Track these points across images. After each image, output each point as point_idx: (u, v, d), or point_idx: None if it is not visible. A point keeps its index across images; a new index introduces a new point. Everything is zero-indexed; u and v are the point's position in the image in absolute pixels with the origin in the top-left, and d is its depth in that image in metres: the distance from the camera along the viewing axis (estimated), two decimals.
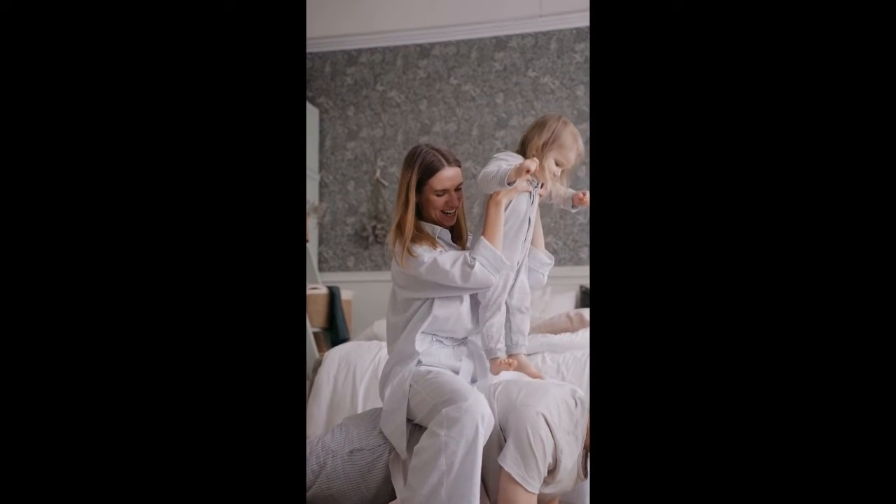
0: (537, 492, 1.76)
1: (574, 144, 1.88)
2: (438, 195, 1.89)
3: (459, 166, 1.93)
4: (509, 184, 1.81)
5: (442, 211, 1.91)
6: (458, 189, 1.92)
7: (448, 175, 1.89)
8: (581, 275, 4.29)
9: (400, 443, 1.82)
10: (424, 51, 4.62)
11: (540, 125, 1.89)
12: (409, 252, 1.84)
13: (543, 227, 4.51)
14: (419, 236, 1.88)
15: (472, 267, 1.80)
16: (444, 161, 1.89)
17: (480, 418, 1.69)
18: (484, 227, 1.87)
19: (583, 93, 4.39)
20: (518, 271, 1.93)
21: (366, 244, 4.67)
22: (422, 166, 1.89)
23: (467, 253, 1.84)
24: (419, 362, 1.90)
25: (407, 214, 1.88)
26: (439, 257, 1.83)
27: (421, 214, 1.94)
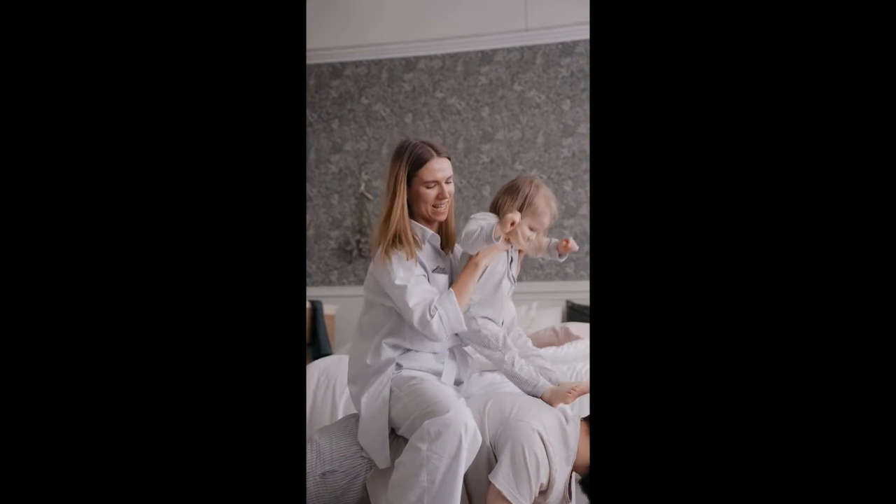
0: None
1: (547, 209, 1.87)
2: (429, 187, 1.84)
3: (449, 158, 1.89)
4: (496, 239, 1.78)
5: (433, 205, 1.85)
6: (447, 181, 1.87)
7: (438, 166, 1.84)
8: (567, 290, 4.25)
9: (381, 452, 1.75)
10: (410, 64, 4.60)
11: (512, 190, 1.88)
12: (387, 255, 1.79)
13: None
14: (405, 239, 1.82)
15: (431, 317, 1.75)
16: (433, 152, 1.85)
17: (464, 430, 1.62)
18: (456, 282, 1.83)
19: (568, 107, 4.38)
20: (512, 325, 1.96)
21: (350, 258, 4.62)
22: (411, 158, 1.84)
23: (435, 300, 1.78)
24: (399, 366, 1.84)
25: (395, 209, 1.82)
26: (410, 287, 1.77)
27: (411, 212, 1.87)
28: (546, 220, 1.87)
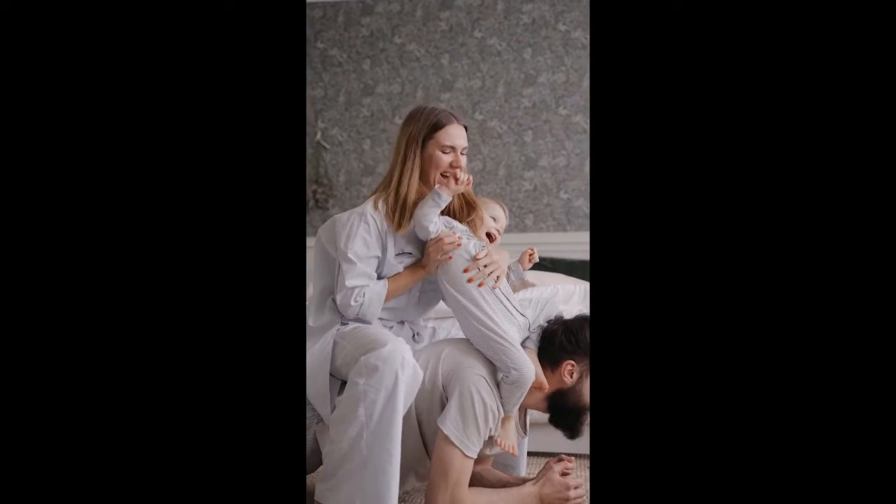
0: (475, 457, 1.69)
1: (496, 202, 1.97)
2: (445, 152, 1.76)
3: (466, 128, 1.83)
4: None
5: (443, 174, 1.76)
6: (462, 152, 1.79)
7: (457, 132, 1.78)
8: (527, 242, 4.24)
9: (323, 407, 1.72)
10: (367, 8, 4.45)
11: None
12: (365, 230, 1.72)
13: (488, 194, 4.36)
14: (406, 207, 1.74)
15: (354, 302, 1.71)
16: (452, 118, 1.78)
17: (400, 365, 1.59)
18: (395, 277, 1.77)
19: (529, 55, 4.29)
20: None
21: (306, 209, 4.52)
22: (429, 121, 1.76)
23: (366, 288, 1.73)
24: (344, 323, 1.80)
25: (405, 173, 1.74)
26: (358, 267, 1.72)
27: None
28: (500, 211, 1.94)
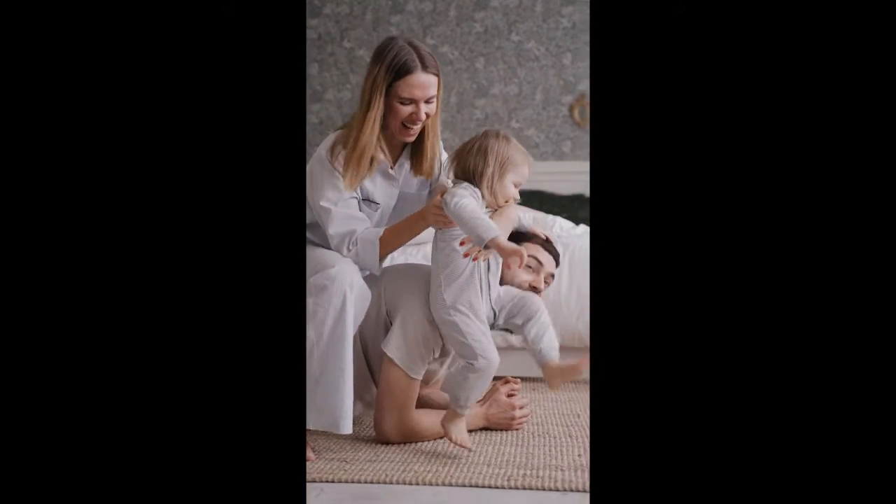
0: (420, 378, 1.71)
1: (525, 158, 1.64)
2: (403, 104, 1.63)
3: (437, 74, 1.64)
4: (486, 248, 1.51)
5: (403, 123, 1.66)
6: (429, 101, 1.64)
7: (419, 82, 1.62)
8: None
9: None
10: None
11: (482, 151, 1.60)
12: (329, 174, 1.66)
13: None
14: (361, 162, 1.65)
15: (348, 251, 1.69)
16: (418, 63, 1.61)
17: (349, 286, 1.59)
18: (393, 227, 1.70)
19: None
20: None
21: None
22: (393, 65, 1.61)
23: (357, 235, 1.68)
24: None
25: (367, 125, 1.62)
26: (334, 212, 1.66)
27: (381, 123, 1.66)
28: (527, 170, 1.65)
